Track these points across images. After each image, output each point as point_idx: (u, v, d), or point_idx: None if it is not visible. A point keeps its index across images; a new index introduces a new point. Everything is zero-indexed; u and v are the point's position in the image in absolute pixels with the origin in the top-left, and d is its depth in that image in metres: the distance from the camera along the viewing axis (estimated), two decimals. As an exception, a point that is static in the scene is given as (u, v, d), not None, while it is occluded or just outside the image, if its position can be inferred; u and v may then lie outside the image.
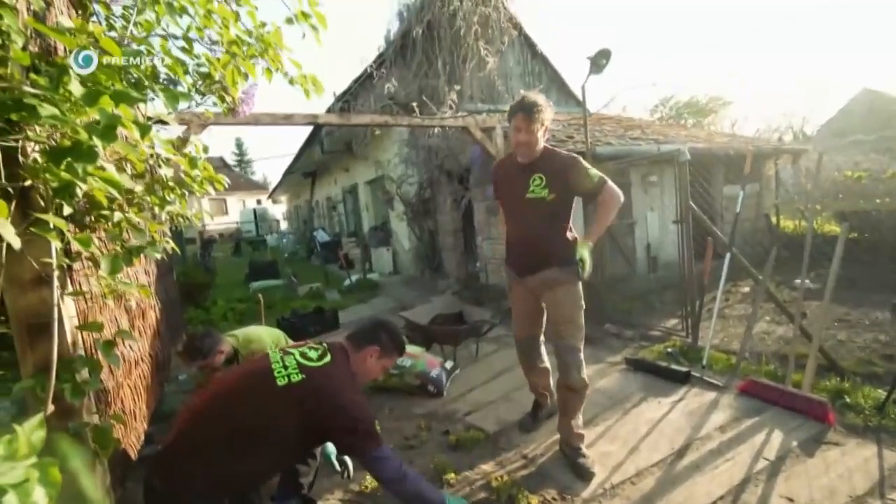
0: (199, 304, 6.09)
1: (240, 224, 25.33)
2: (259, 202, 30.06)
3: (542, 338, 2.36)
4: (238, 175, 33.80)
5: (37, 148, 0.83)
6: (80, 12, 1.44)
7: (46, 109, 0.76)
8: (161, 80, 1.39)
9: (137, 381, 1.83)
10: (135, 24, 1.31)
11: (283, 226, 23.76)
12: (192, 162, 1.28)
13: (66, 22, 0.88)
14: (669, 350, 3.42)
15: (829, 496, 1.77)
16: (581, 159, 2.03)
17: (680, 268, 3.70)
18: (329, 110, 7.46)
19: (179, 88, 1.44)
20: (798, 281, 5.48)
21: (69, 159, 0.76)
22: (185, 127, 2.97)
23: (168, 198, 1.21)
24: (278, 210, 27.93)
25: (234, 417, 1.40)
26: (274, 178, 28.16)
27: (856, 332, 3.54)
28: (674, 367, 3.00)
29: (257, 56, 1.27)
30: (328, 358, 1.62)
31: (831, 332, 3.58)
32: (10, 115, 0.82)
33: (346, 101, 7.69)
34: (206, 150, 1.37)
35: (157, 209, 1.17)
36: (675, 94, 19.57)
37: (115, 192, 0.87)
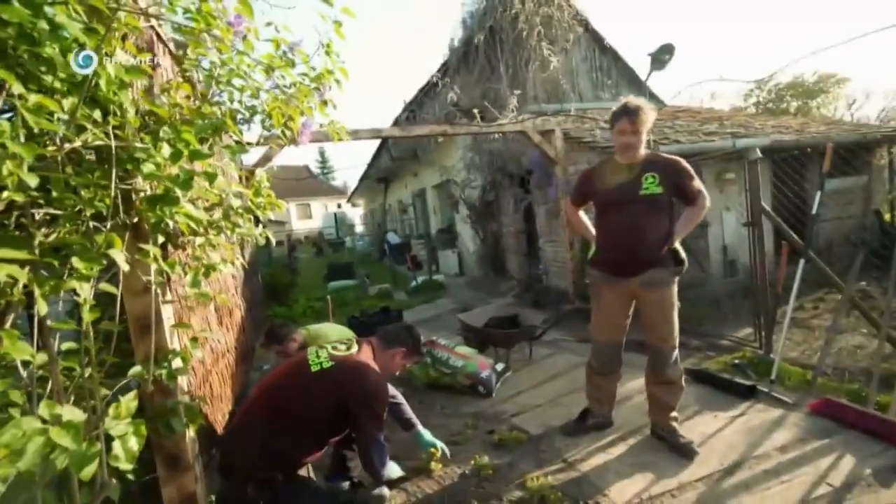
0: (282, 302, 6.79)
1: (322, 227, 27.34)
2: (339, 206, 32.17)
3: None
4: (321, 182, 36.44)
5: (140, 193, 1.12)
6: (179, 69, 1.79)
7: (147, 167, 1.04)
8: (238, 120, 1.71)
9: (224, 369, 2.20)
10: (216, 78, 1.62)
11: (359, 228, 25.23)
12: (257, 191, 1.56)
13: (163, 98, 1.16)
14: (737, 362, 3.21)
15: (898, 530, 1.62)
16: (685, 163, 2.16)
17: (751, 274, 3.44)
18: (396, 120, 7.88)
19: (251, 127, 1.75)
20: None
21: (160, 203, 1.03)
22: (267, 148, 3.42)
23: (238, 222, 1.50)
24: (356, 213, 29.71)
25: (279, 402, 1.72)
26: (353, 184, 30.10)
27: (977, 350, 3.03)
28: (737, 380, 2.83)
29: (299, 104, 1.51)
30: (355, 349, 1.92)
31: (943, 348, 3.10)
32: (126, 167, 1.13)
33: (412, 110, 8.06)
34: (269, 179, 1.65)
35: (229, 232, 1.45)
36: (773, 76, 17.44)
37: (193, 224, 1.14)
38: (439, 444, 2.26)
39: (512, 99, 6.69)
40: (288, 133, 1.72)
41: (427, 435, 2.26)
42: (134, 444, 0.74)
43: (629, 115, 2.04)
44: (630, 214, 2.11)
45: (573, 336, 4.35)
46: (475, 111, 6.11)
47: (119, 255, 0.95)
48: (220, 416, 2.02)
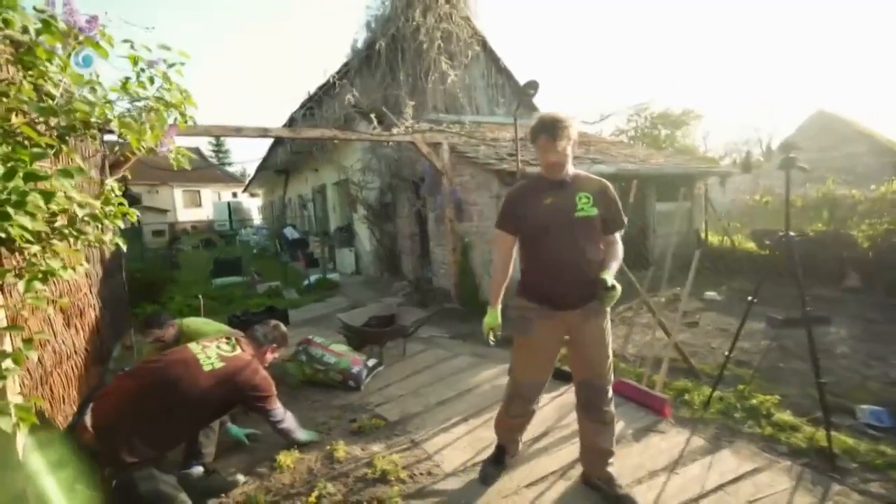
0: (156, 300, 6.32)
1: (214, 217, 25.18)
2: (234, 195, 29.88)
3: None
4: (215, 167, 33.41)
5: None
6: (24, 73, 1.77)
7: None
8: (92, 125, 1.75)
9: (69, 371, 2.16)
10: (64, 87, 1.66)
11: (257, 220, 23.75)
12: (107, 200, 1.64)
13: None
14: (569, 353, 3.89)
15: (634, 470, 2.23)
16: (612, 188, 2.01)
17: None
18: (291, 117, 7.74)
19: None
20: (708, 293, 6.04)
21: (-8, 217, 1.13)
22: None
23: (86, 230, 1.57)
24: (254, 204, 27.86)
25: (170, 395, 1.93)
26: (253, 172, 28.14)
27: (729, 340, 4.06)
28: (563, 367, 3.46)
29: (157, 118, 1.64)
30: (238, 350, 2.24)
31: (709, 339, 4.11)
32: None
33: (311, 107, 7.99)
34: (121, 188, 1.73)
35: (72, 239, 1.52)
36: (649, 104, 20.09)
37: (28, 235, 1.24)
38: (245, 432, 2.64)
39: (409, 107, 7.01)
40: (145, 144, 1.82)
41: (235, 429, 2.62)
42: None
43: (547, 131, 1.83)
44: (567, 239, 1.88)
45: (447, 332, 4.81)
46: (372, 115, 6.33)
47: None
48: (60, 418, 2.01)
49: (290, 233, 13.01)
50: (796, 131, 20.77)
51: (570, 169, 1.94)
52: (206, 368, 2.04)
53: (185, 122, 1.90)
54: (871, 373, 3.20)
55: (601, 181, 1.99)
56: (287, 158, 11.46)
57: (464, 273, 5.71)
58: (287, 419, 2.41)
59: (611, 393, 2.03)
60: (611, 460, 2.08)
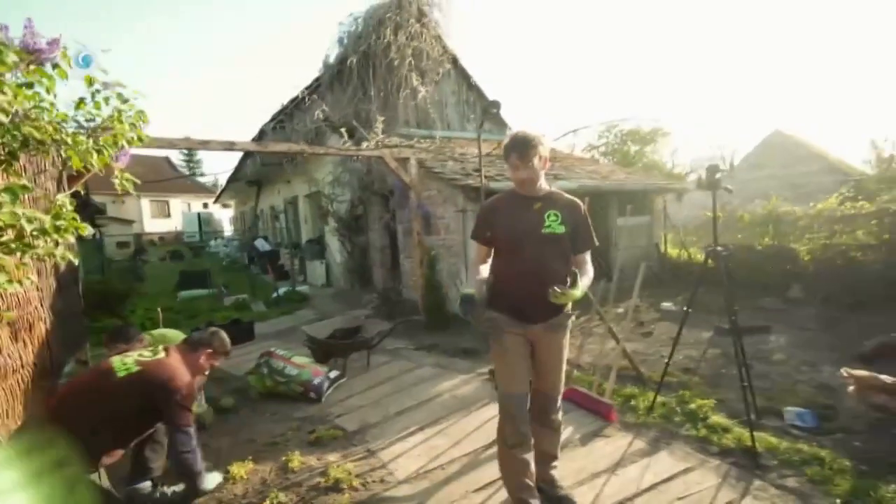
0: (116, 313, 6.16)
1: (183, 227, 24.54)
2: (206, 206, 29.23)
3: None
4: (184, 177, 32.65)
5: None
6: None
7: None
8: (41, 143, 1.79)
9: (14, 385, 2.14)
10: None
11: (229, 232, 23.27)
12: (57, 215, 1.68)
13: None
14: (529, 362, 4.02)
15: (577, 473, 2.35)
16: (584, 207, 2.07)
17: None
18: (261, 130, 7.74)
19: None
20: (664, 303, 6.30)
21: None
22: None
23: (36, 244, 1.60)
24: (226, 215, 27.30)
25: (83, 408, 1.90)
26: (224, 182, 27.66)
27: (678, 349, 4.28)
28: (520, 376, 3.59)
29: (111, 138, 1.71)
30: (161, 354, 2.18)
31: (661, 348, 4.33)
32: None
33: (281, 120, 8.02)
34: (73, 204, 1.76)
35: (20, 253, 1.55)
36: (618, 123, 20.72)
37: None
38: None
39: (379, 122, 7.13)
40: (97, 163, 1.87)
41: None
42: None
43: (516, 149, 1.91)
44: (533, 253, 1.93)
45: (413, 344, 4.88)
46: (342, 130, 6.42)
47: None
48: (4, 432, 1.98)
49: (261, 244, 12.85)
50: (756, 149, 21.88)
51: (544, 185, 2.00)
52: (121, 374, 2.01)
53: (140, 140, 1.96)
54: (802, 377, 3.45)
55: (573, 200, 2.04)
56: (258, 170, 11.38)
57: (430, 285, 5.81)
58: (196, 452, 2.09)
59: (560, 402, 2.15)
60: (554, 464, 2.20)
